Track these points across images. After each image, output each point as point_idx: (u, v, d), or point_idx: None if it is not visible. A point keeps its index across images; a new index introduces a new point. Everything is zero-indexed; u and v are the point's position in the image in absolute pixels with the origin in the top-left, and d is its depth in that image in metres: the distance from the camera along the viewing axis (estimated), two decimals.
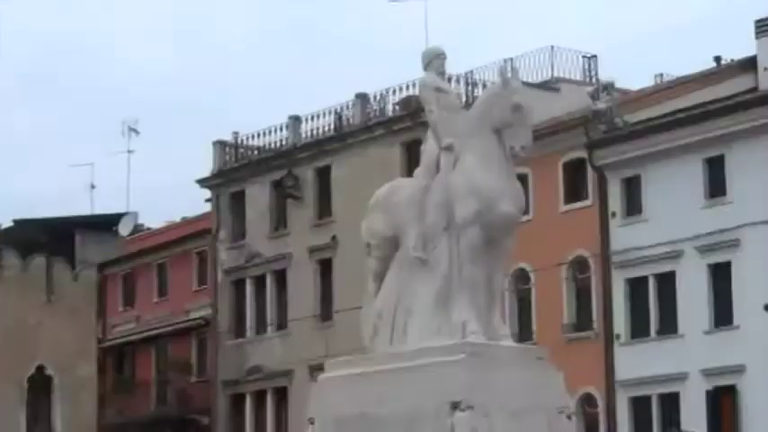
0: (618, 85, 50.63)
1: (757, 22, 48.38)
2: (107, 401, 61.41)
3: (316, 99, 75.03)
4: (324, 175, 56.10)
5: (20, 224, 65.25)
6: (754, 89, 47.54)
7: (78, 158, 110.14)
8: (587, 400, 46.56)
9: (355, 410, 20.75)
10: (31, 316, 55.14)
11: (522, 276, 48.18)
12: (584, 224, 47.50)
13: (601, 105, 48.52)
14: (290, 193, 56.84)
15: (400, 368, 20.60)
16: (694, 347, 44.73)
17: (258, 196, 58.46)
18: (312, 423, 21.52)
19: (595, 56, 54.33)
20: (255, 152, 59.58)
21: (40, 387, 55.57)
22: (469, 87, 51.47)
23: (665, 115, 46.77)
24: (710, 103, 46.05)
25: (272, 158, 58.20)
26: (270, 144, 58.98)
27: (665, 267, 45.90)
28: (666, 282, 45.97)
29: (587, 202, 47.94)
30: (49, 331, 55.42)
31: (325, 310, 54.74)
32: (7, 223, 65.33)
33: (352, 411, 20.81)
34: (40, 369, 55.50)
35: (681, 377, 44.93)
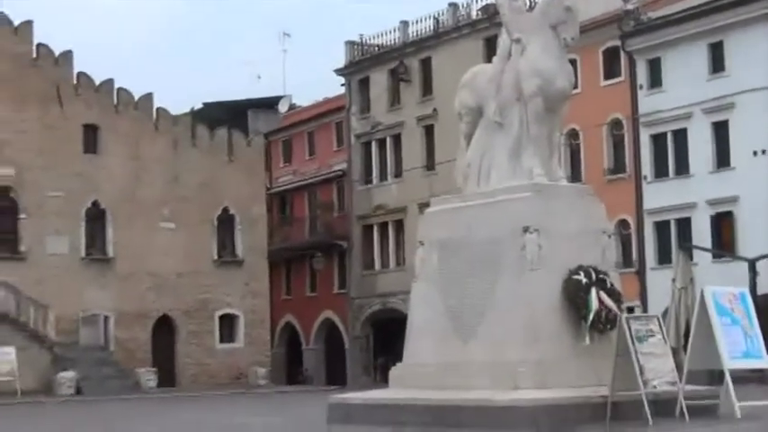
0: None
1: None
2: (274, 232, 62.07)
3: (419, 7, 74.24)
4: (426, 64, 55.87)
5: (208, 106, 65.72)
6: None
7: (248, 57, 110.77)
8: (623, 225, 46.39)
9: (452, 234, 20.80)
10: (217, 172, 55.54)
11: (573, 134, 47.89)
12: (619, 95, 47.12)
13: (630, 6, 47.97)
14: (402, 78, 56.77)
15: (485, 203, 20.59)
16: (701, 183, 44.40)
17: (379, 81, 58.38)
18: (422, 244, 21.62)
19: None
20: (376, 48, 59.35)
21: (225, 223, 56.10)
22: None
23: (678, 12, 46.03)
24: (712, 1, 45.13)
25: (388, 53, 58.00)
26: (386, 42, 58.75)
27: (679, 125, 45.47)
28: (680, 136, 45.58)
29: (621, 78, 47.45)
30: (230, 183, 55.83)
31: (430, 162, 54.78)
32: (198, 106, 65.85)
33: (450, 235, 20.86)
34: (226, 210, 55.97)
35: (691, 206, 44.65)
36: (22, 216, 51.08)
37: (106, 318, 51.89)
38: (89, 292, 51.44)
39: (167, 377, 52.03)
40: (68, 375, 47.02)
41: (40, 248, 50.99)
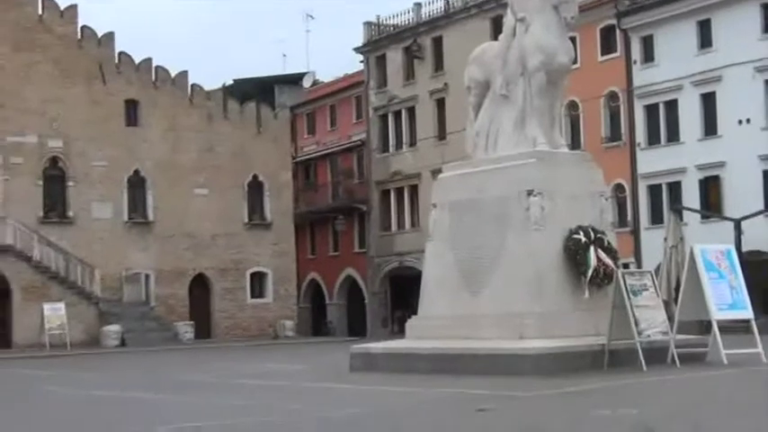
0: None
1: None
2: (299, 197, 62.06)
3: None
4: (438, 43, 55.63)
5: (237, 82, 65.61)
6: None
7: (274, 37, 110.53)
8: (618, 188, 46.27)
9: (463, 197, 20.84)
10: (247, 142, 55.54)
11: (573, 105, 47.69)
12: (615, 69, 46.88)
13: None
14: (416, 55, 56.56)
15: (492, 168, 20.61)
16: (691, 150, 44.24)
17: (394, 58, 58.17)
18: (435, 206, 21.67)
19: None
20: (392, 28, 59.13)
21: (255, 189, 56.12)
22: None
23: None
24: None
25: (402, 32, 57.75)
26: (401, 22, 58.51)
27: (670, 96, 45.27)
28: (672, 106, 45.39)
29: (617, 54, 47.20)
30: (259, 152, 55.85)
31: (441, 132, 54.65)
32: (229, 82, 65.79)
33: (460, 197, 20.90)
34: (255, 177, 55.97)
35: (682, 170, 44.52)
36: (70, 184, 51.26)
37: (147, 276, 52.15)
38: (131, 252, 51.71)
39: (203, 330, 52.31)
40: (113, 329, 47.38)
41: (87, 213, 51.21)
